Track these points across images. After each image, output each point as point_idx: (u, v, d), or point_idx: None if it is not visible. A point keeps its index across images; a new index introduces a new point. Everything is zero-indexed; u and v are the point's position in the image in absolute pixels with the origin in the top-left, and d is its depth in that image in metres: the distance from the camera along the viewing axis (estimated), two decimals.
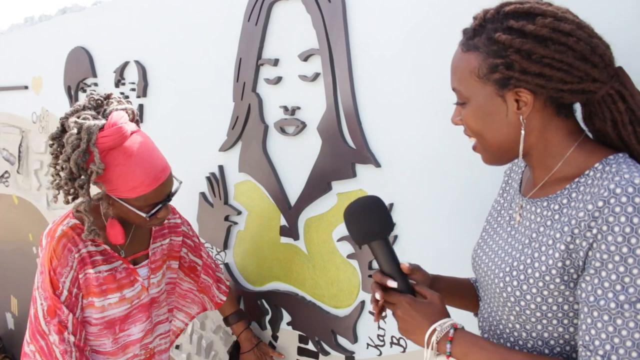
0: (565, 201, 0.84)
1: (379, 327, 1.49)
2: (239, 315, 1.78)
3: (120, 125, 1.24)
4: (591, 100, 0.84)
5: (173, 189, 1.39)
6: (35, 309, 1.35)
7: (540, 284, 0.84)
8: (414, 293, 0.95)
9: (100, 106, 1.32)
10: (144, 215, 1.33)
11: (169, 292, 1.63)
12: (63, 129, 1.28)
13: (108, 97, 1.35)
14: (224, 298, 1.74)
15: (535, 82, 0.81)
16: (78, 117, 1.25)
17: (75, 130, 1.21)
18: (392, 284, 0.94)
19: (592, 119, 0.87)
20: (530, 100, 0.83)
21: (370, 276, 1.48)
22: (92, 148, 1.20)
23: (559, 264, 0.82)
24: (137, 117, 1.40)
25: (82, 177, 1.22)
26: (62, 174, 1.24)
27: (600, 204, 0.75)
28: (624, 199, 0.74)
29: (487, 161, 0.93)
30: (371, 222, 0.98)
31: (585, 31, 0.81)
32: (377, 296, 0.95)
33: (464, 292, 1.10)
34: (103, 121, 1.25)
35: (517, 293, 0.86)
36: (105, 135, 1.22)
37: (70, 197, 1.28)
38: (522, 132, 0.85)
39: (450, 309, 0.97)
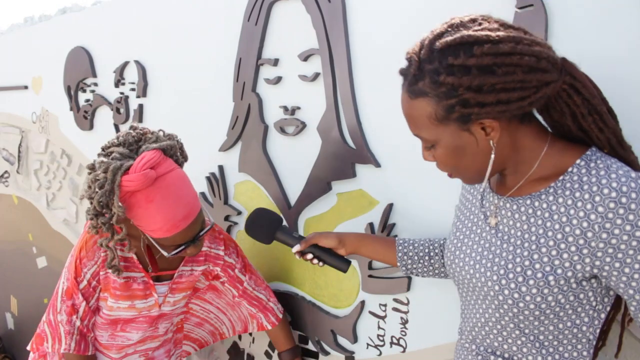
0: (551, 198, 0.85)
1: (379, 327, 1.49)
2: (293, 354, 1.68)
3: (145, 172, 1.22)
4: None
5: (204, 229, 1.36)
6: (59, 285, 1.46)
7: (542, 283, 0.84)
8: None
9: (138, 141, 1.31)
10: (165, 254, 1.34)
11: (187, 297, 1.65)
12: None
13: (145, 133, 1.33)
14: (270, 327, 1.67)
15: (496, 110, 0.80)
16: (107, 156, 1.26)
17: (100, 172, 1.22)
18: (316, 260, 1.30)
19: (549, 112, 0.88)
20: (496, 125, 0.82)
21: (370, 276, 1.48)
22: (116, 189, 1.20)
23: (566, 264, 0.83)
24: (179, 150, 1.37)
25: (106, 215, 1.23)
26: (88, 209, 1.26)
27: (612, 205, 0.77)
28: (634, 195, 0.76)
29: (467, 182, 0.94)
30: (262, 227, 1.37)
31: (524, 42, 0.79)
32: (308, 256, 1.29)
33: (373, 248, 1.27)
34: (131, 162, 1.23)
35: (516, 295, 0.87)
36: (129, 179, 1.21)
37: (95, 230, 1.29)
38: (492, 156, 0.85)
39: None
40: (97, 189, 1.21)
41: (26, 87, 2.89)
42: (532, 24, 1.06)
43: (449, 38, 0.79)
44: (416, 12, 1.29)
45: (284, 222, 1.39)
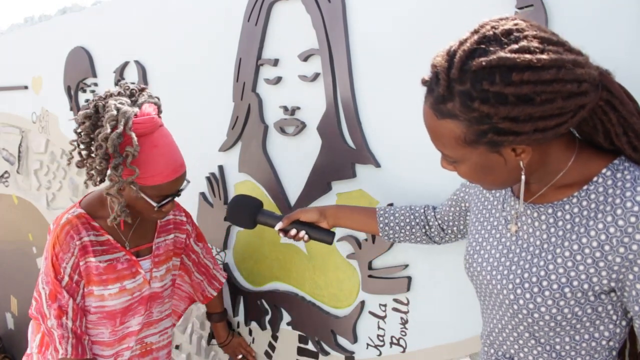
0: (576, 210, 0.82)
1: (379, 327, 1.49)
2: (222, 316, 1.88)
3: (153, 116, 1.30)
4: None
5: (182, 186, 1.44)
6: (39, 293, 1.42)
7: (557, 295, 0.82)
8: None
9: (133, 95, 1.37)
10: (154, 204, 1.36)
11: (170, 270, 1.65)
12: (96, 110, 1.30)
13: (142, 90, 1.39)
14: (214, 293, 1.80)
15: (532, 138, 0.74)
16: (115, 101, 1.29)
17: (115, 112, 1.25)
18: (301, 234, 1.31)
19: (579, 125, 0.83)
20: (529, 149, 0.78)
21: (370, 276, 1.48)
22: (128, 132, 1.24)
23: (583, 276, 0.80)
24: (161, 114, 1.44)
25: (117, 158, 1.26)
26: (97, 152, 1.27)
27: (633, 219, 0.75)
28: None
29: (488, 190, 0.92)
30: (243, 212, 1.39)
31: (567, 66, 0.71)
32: (292, 232, 1.31)
33: (355, 218, 1.29)
34: (137, 109, 1.29)
35: (531, 306, 0.85)
36: (138, 122, 1.26)
37: (99, 179, 1.31)
38: (523, 177, 0.81)
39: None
40: (110, 131, 1.23)
41: (26, 87, 2.89)
42: None
43: (483, 60, 0.71)
44: (416, 12, 1.29)
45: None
